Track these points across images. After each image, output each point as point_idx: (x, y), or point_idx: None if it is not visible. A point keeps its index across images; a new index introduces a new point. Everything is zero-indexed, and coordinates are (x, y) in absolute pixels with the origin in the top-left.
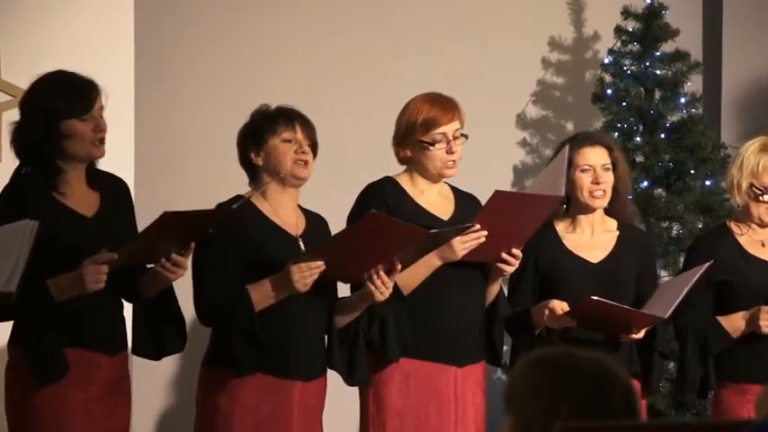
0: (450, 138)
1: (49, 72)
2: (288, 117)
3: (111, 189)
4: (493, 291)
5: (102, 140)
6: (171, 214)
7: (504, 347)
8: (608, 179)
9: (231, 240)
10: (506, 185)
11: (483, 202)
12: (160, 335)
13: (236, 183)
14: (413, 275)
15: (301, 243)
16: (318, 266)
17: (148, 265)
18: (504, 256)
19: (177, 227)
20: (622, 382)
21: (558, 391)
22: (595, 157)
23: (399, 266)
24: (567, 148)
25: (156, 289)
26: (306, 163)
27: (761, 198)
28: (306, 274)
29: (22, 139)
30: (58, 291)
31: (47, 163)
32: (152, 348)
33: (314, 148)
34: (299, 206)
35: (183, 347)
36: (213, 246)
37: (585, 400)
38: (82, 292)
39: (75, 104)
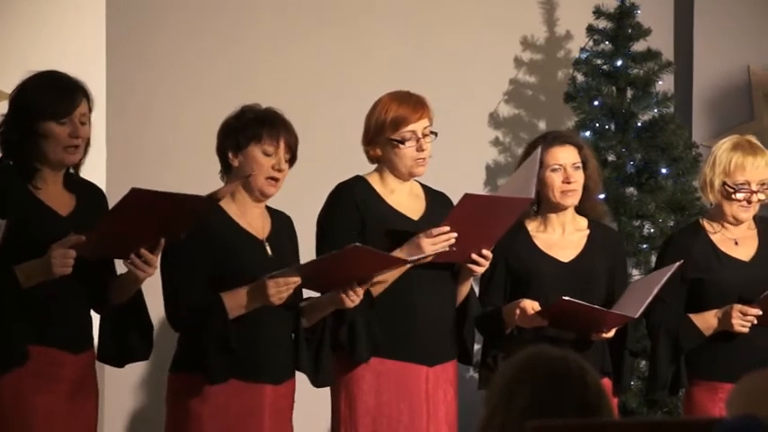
0: (420, 135)
1: (43, 71)
2: (274, 127)
3: (88, 195)
4: (463, 291)
5: (77, 147)
6: (139, 191)
7: (479, 347)
8: (578, 178)
9: (199, 243)
10: (479, 184)
11: (455, 202)
12: (125, 342)
13: (211, 185)
14: (382, 278)
15: (267, 246)
16: (295, 282)
17: (118, 273)
18: (474, 257)
19: (148, 211)
20: (592, 379)
21: (519, 382)
22: (565, 156)
23: (373, 278)
24: (539, 150)
25: (128, 293)
26: (277, 181)
27: (733, 196)
28: (282, 288)
29: (3, 132)
30: (25, 276)
31: (24, 159)
32: (116, 355)
33: (292, 160)
34: (266, 206)
35: (149, 356)
36: (182, 250)
37: (550, 395)
38: (49, 276)
39: (57, 107)
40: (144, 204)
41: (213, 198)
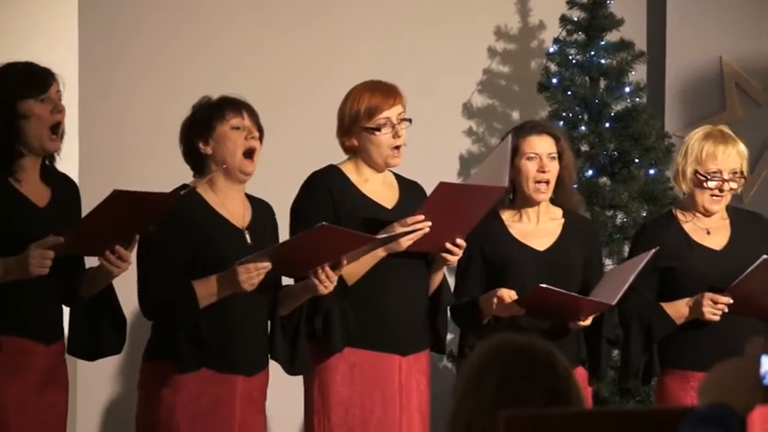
0: (395, 122)
1: (6, 63)
2: (235, 104)
3: (62, 187)
4: (436, 279)
5: (57, 128)
6: (120, 193)
7: (452, 336)
8: (553, 168)
9: (177, 232)
10: (452, 174)
11: (428, 192)
12: (97, 336)
13: (185, 178)
14: (357, 266)
15: (247, 235)
16: (265, 267)
17: (87, 267)
18: (448, 246)
19: (126, 210)
20: (561, 365)
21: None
22: (542, 145)
23: (345, 262)
24: (509, 137)
25: (98, 286)
26: (253, 154)
27: (705, 185)
28: (253, 274)
29: None
30: (1, 273)
31: (5, 147)
32: (87, 349)
33: (261, 133)
34: (246, 195)
35: (121, 349)
36: (158, 238)
37: (519, 381)
38: (25, 276)
39: (32, 85)
40: (124, 204)
41: (189, 191)
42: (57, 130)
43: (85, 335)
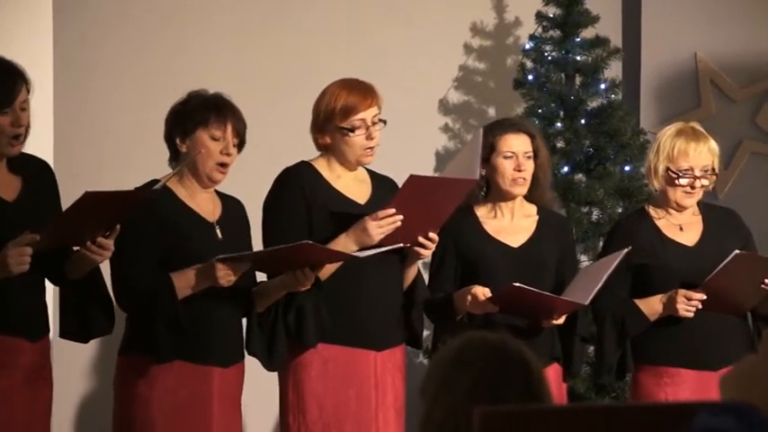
0: (370, 123)
1: None
2: (221, 112)
3: (35, 173)
4: (410, 274)
5: (18, 137)
6: (92, 194)
7: (428, 332)
8: (529, 167)
9: (149, 225)
10: (428, 170)
11: (403, 185)
12: (87, 317)
13: (159, 167)
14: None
15: (218, 230)
16: (243, 267)
17: (74, 248)
18: (421, 239)
19: (99, 208)
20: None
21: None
22: (519, 144)
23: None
24: (480, 131)
25: (83, 271)
26: (225, 167)
27: (677, 182)
28: (230, 272)
29: None
30: None
31: None
32: (79, 331)
33: (240, 145)
34: (215, 191)
35: (112, 330)
36: (132, 231)
37: (494, 376)
38: (6, 275)
39: None
40: (96, 204)
41: (161, 187)
42: (18, 137)
43: (75, 317)
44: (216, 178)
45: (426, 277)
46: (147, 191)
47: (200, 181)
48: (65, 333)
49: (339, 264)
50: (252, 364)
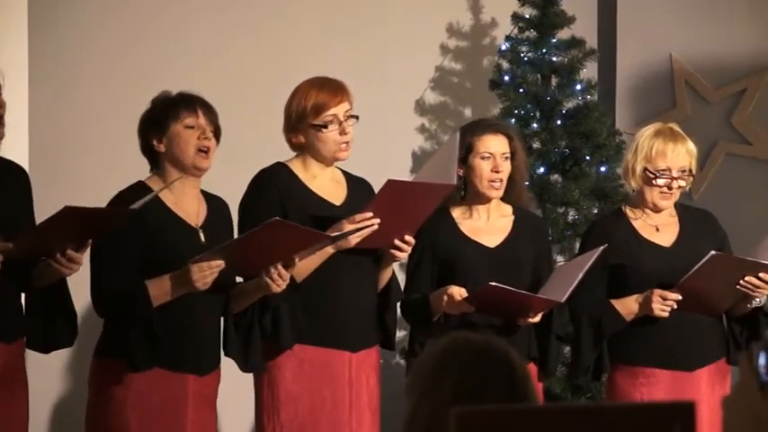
0: (342, 119)
1: None
2: (190, 102)
3: (7, 178)
4: (385, 276)
5: None
6: (71, 210)
7: (405, 333)
8: (506, 168)
9: (131, 231)
10: (405, 171)
11: (377, 188)
12: (51, 328)
13: (136, 171)
14: (306, 263)
15: (201, 234)
16: (218, 265)
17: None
18: (397, 242)
19: (76, 223)
20: (518, 362)
21: (446, 367)
22: (496, 145)
23: (297, 260)
24: (457, 135)
25: (49, 280)
26: (207, 151)
27: (654, 182)
28: (206, 273)
29: None
30: None
31: None
32: (41, 341)
33: (217, 133)
34: (201, 191)
35: (73, 342)
36: (113, 236)
37: (479, 377)
38: None
39: None
40: (75, 220)
41: (146, 202)
42: None
43: (39, 327)
44: (201, 165)
45: (403, 279)
46: (127, 211)
47: (188, 173)
48: (30, 344)
49: (315, 266)
50: (229, 364)
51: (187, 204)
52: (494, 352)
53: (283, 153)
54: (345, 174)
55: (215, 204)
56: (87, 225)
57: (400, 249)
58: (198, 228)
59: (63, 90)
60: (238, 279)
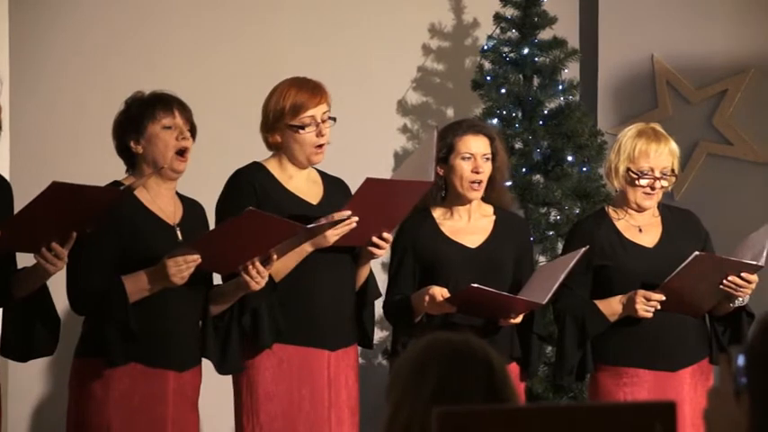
0: (319, 120)
1: None
2: (166, 103)
3: None
4: (363, 274)
5: None
6: (59, 185)
7: (387, 333)
8: (486, 169)
9: (108, 229)
10: (387, 171)
11: (354, 188)
12: (30, 337)
13: (114, 173)
14: (284, 262)
15: (179, 232)
16: (195, 260)
17: (20, 266)
18: (375, 240)
19: (64, 205)
20: (497, 361)
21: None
22: (477, 145)
23: (275, 257)
24: (435, 132)
25: (31, 287)
26: (185, 152)
27: (637, 183)
28: (182, 267)
29: None
30: None
31: None
32: (19, 350)
33: (193, 131)
34: (176, 193)
35: (54, 350)
36: (90, 234)
37: (458, 377)
38: None
39: None
40: (62, 198)
41: (128, 189)
42: None
43: (18, 336)
44: (178, 168)
45: (383, 279)
46: (117, 191)
47: (164, 176)
48: (4, 351)
49: (293, 265)
50: (210, 365)
51: (163, 204)
52: (473, 352)
53: (262, 154)
54: (321, 174)
55: (190, 206)
56: (75, 209)
57: (378, 247)
58: (175, 226)
59: (44, 93)
60: (217, 281)
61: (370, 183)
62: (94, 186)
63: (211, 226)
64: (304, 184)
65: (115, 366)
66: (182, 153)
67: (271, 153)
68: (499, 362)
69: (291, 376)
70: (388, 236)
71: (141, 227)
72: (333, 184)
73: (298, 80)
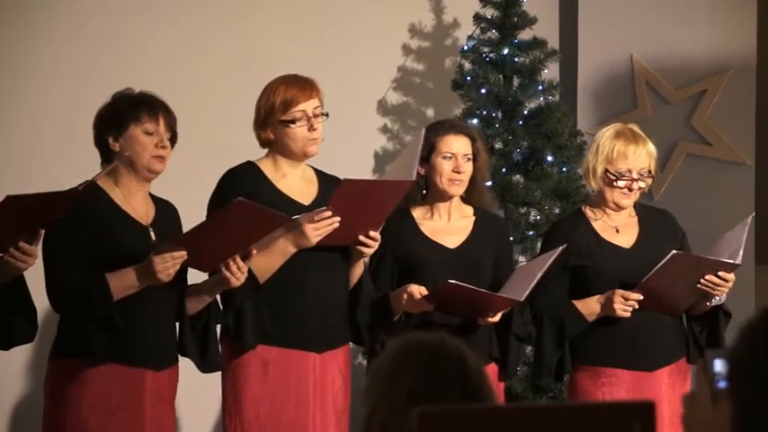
0: (311, 115)
1: None
2: (152, 107)
3: None
4: (356, 272)
5: None
6: (13, 198)
7: None
8: (467, 169)
9: (82, 226)
10: (367, 171)
11: (337, 189)
12: (9, 324)
13: (88, 170)
14: (268, 264)
15: (152, 232)
16: (181, 256)
17: None
18: (362, 238)
19: (22, 212)
20: (472, 361)
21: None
22: (458, 145)
23: (255, 252)
24: (422, 132)
25: (5, 278)
26: (162, 158)
27: (615, 183)
28: (169, 264)
29: None
30: None
31: None
32: (1, 338)
33: (173, 139)
34: (150, 195)
35: (34, 337)
36: (65, 232)
37: (433, 377)
38: None
39: None
40: (20, 207)
41: (90, 183)
42: None
43: None
44: (155, 168)
45: None
46: (72, 191)
47: (138, 175)
48: None
49: (277, 265)
50: (191, 364)
51: (136, 203)
52: (447, 352)
53: (251, 152)
54: (318, 172)
55: (164, 208)
56: (33, 212)
57: (366, 245)
58: (148, 226)
59: (21, 97)
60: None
61: (347, 184)
62: (51, 192)
63: (185, 228)
64: (298, 184)
65: (97, 365)
66: (159, 157)
67: (264, 153)
68: (475, 361)
69: (276, 378)
70: (376, 234)
71: (114, 227)
72: (329, 184)
73: (289, 76)
